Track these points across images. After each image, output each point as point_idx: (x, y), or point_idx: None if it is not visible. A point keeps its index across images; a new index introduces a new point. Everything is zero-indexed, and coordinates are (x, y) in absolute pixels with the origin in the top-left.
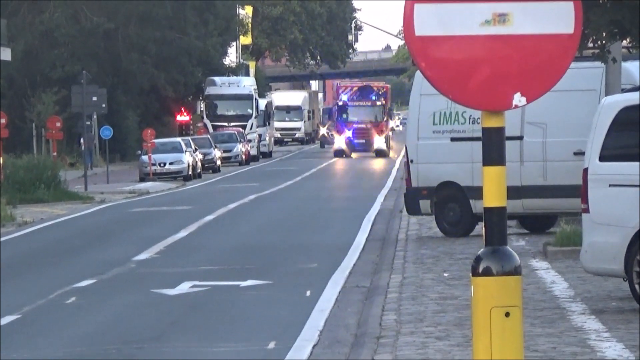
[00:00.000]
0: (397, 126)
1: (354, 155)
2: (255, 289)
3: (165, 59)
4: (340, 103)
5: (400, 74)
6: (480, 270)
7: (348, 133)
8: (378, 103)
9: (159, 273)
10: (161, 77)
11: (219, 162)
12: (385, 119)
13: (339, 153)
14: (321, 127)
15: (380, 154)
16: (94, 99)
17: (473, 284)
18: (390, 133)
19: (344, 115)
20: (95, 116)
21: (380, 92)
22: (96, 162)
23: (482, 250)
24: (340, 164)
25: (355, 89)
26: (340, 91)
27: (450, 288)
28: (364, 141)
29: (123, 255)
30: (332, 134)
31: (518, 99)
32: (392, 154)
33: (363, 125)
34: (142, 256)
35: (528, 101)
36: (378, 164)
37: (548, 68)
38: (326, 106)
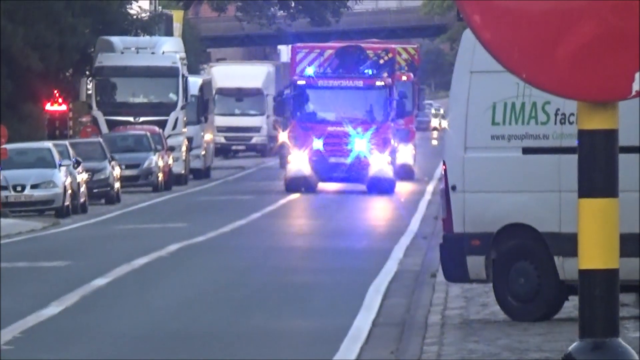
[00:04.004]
0: (434, 129)
1: (323, 186)
2: None
3: (25, 2)
4: (301, 82)
5: (437, 35)
6: None
7: (315, 144)
8: (379, 82)
9: None
10: (18, 34)
11: (118, 186)
12: (392, 115)
13: (296, 183)
14: (279, 130)
15: (379, 187)
16: None
17: None
18: (411, 145)
19: (308, 108)
20: None
21: (382, 60)
22: None
23: (575, 345)
24: (336, 187)
25: (329, 53)
26: (300, 58)
27: None
28: (347, 160)
29: None
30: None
31: None
32: (404, 186)
33: (346, 129)
34: None
35: None
36: (397, 187)
37: None
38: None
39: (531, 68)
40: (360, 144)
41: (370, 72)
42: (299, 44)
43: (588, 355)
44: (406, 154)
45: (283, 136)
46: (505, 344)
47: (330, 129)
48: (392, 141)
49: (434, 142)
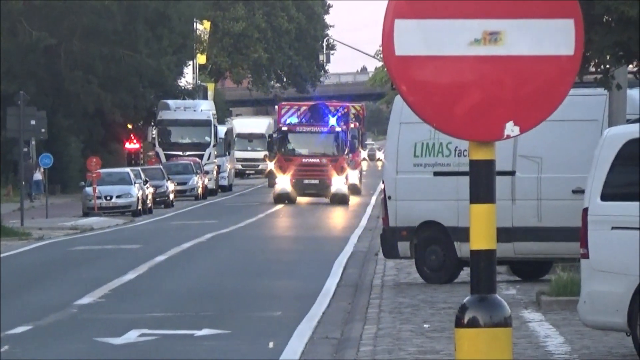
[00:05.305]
0: (378, 159)
1: (301, 200)
2: (212, 338)
3: (112, 78)
4: (284, 128)
5: (378, 99)
6: (466, 321)
7: (294, 170)
8: (337, 129)
9: (104, 319)
10: (108, 99)
11: (172, 196)
12: (346, 151)
13: (282, 197)
14: (268, 161)
15: (338, 200)
16: (32, 122)
17: (457, 337)
18: (357, 171)
19: (289, 146)
20: (33, 142)
21: (340, 114)
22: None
23: (468, 298)
24: (309, 199)
25: (303, 109)
26: (284, 112)
27: (431, 341)
28: (316, 182)
29: (63, 298)
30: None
31: (510, 129)
32: (355, 199)
33: (315, 160)
34: (85, 300)
35: (522, 131)
36: (350, 200)
37: (545, 94)
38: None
39: (439, 120)
40: (325, 170)
41: (331, 121)
42: (283, 102)
43: (476, 305)
44: (354, 177)
45: (270, 165)
46: (423, 298)
47: (304, 160)
48: (347, 168)
49: (379, 168)
